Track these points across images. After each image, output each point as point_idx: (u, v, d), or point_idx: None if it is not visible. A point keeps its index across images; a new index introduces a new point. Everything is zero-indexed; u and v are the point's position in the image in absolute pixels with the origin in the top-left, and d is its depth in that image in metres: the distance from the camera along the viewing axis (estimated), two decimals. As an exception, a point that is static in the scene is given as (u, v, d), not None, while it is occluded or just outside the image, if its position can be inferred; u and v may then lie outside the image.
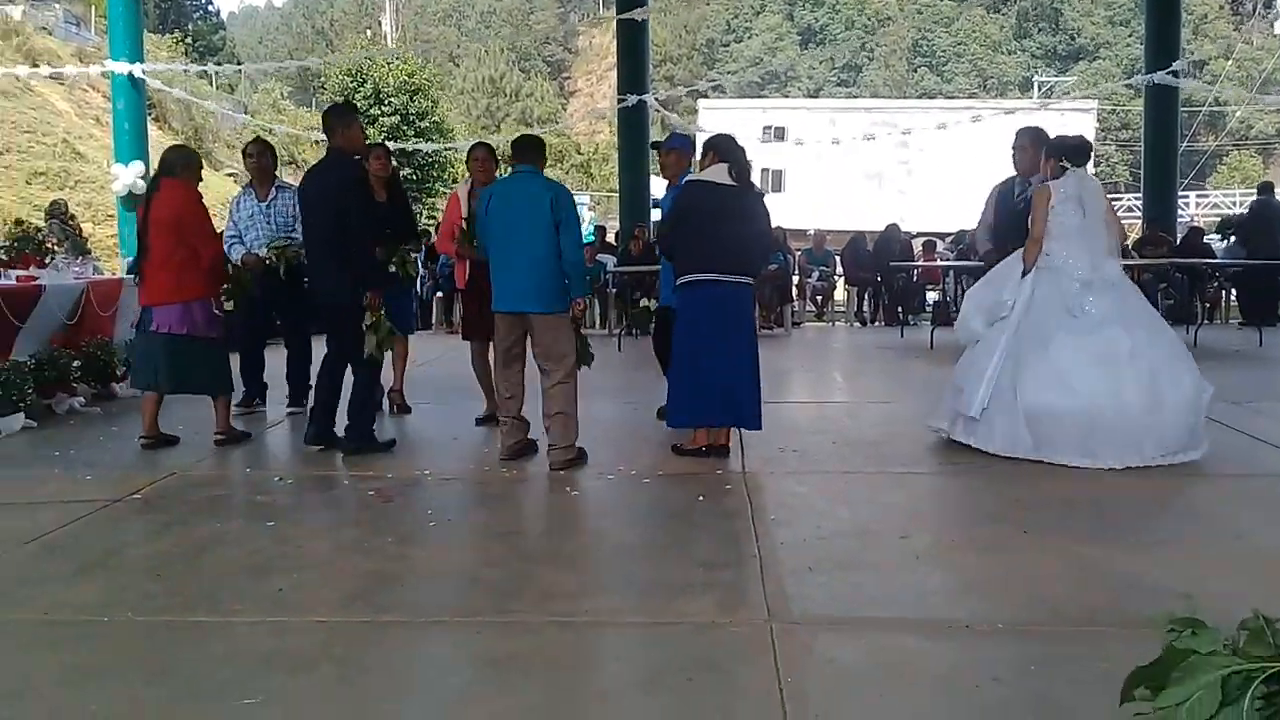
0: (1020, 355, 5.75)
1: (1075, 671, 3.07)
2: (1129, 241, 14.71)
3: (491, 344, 6.21)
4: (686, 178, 6.22)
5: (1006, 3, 68.76)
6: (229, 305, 6.70)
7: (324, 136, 6.26)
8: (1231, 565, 4.01)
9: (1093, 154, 6.34)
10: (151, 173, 9.22)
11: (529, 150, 5.87)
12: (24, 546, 4.36)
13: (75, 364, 7.63)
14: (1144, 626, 3.38)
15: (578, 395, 5.81)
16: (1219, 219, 19.19)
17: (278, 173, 7.81)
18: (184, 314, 6.16)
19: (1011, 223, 6.59)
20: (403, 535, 4.55)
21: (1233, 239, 14.94)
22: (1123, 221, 6.34)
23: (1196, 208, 38.63)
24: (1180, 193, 39.42)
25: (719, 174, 5.72)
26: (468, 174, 7.02)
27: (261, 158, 7.39)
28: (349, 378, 6.19)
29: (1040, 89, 53.06)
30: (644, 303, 6.98)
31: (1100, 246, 5.91)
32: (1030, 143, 6.67)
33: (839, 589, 3.85)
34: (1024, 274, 5.94)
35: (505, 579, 3.97)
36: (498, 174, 6.93)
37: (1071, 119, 33.67)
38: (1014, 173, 6.85)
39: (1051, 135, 6.32)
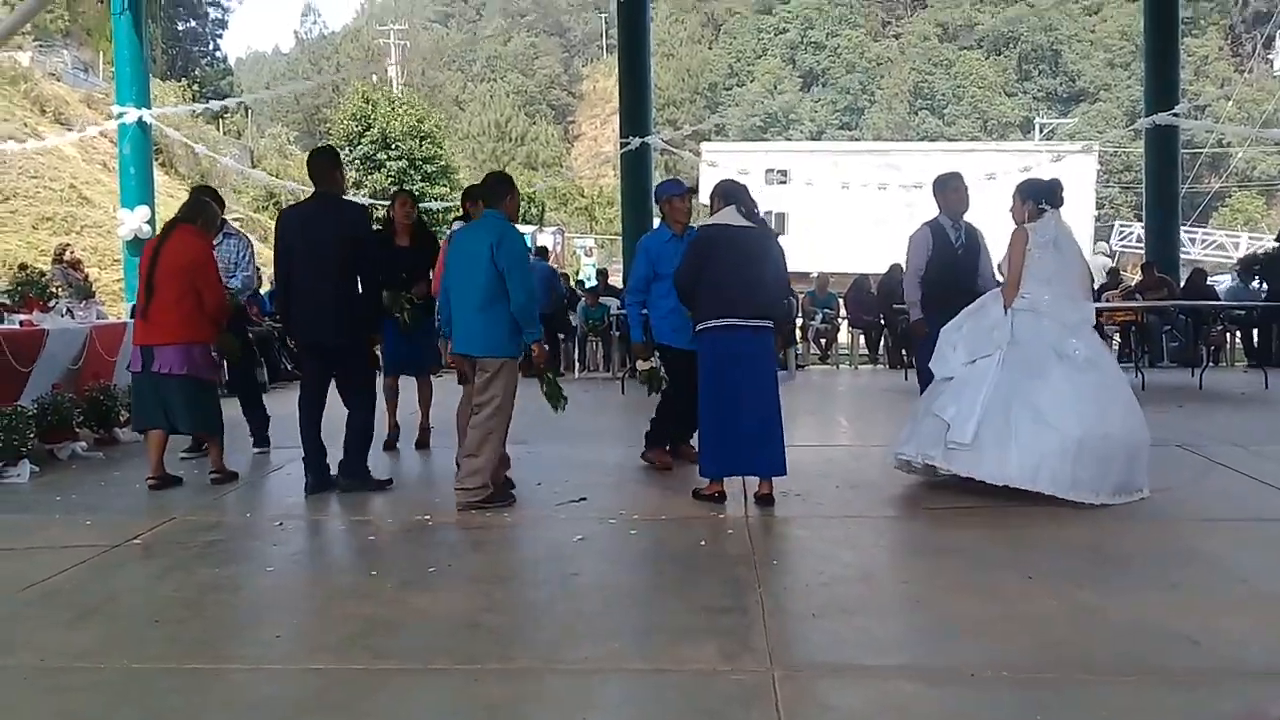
0: (1012, 389, 5.80)
1: (1082, 719, 3.03)
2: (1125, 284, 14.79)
3: None
4: (700, 224, 6.21)
5: (1007, 45, 69.31)
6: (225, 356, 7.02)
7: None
8: (1237, 610, 3.96)
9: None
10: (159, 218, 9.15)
11: (488, 192, 5.99)
12: (22, 593, 4.33)
13: (78, 409, 7.63)
14: (1150, 673, 3.37)
15: (503, 440, 5.86)
16: (1239, 259, 19.18)
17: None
18: (185, 355, 6.30)
19: (954, 267, 6.68)
20: (402, 580, 4.51)
21: (1258, 279, 14.83)
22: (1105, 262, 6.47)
23: (1202, 247, 38.57)
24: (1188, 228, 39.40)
25: (730, 216, 5.73)
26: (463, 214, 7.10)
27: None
28: (327, 416, 6.28)
29: (1042, 131, 53.38)
30: (644, 366, 6.88)
31: (1077, 289, 6.05)
32: (964, 184, 6.84)
33: (842, 635, 3.81)
34: (1004, 313, 6.01)
35: (505, 625, 3.94)
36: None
37: (1074, 161, 33.87)
38: (936, 215, 6.87)
39: (1049, 179, 6.30)
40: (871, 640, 3.76)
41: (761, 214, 5.87)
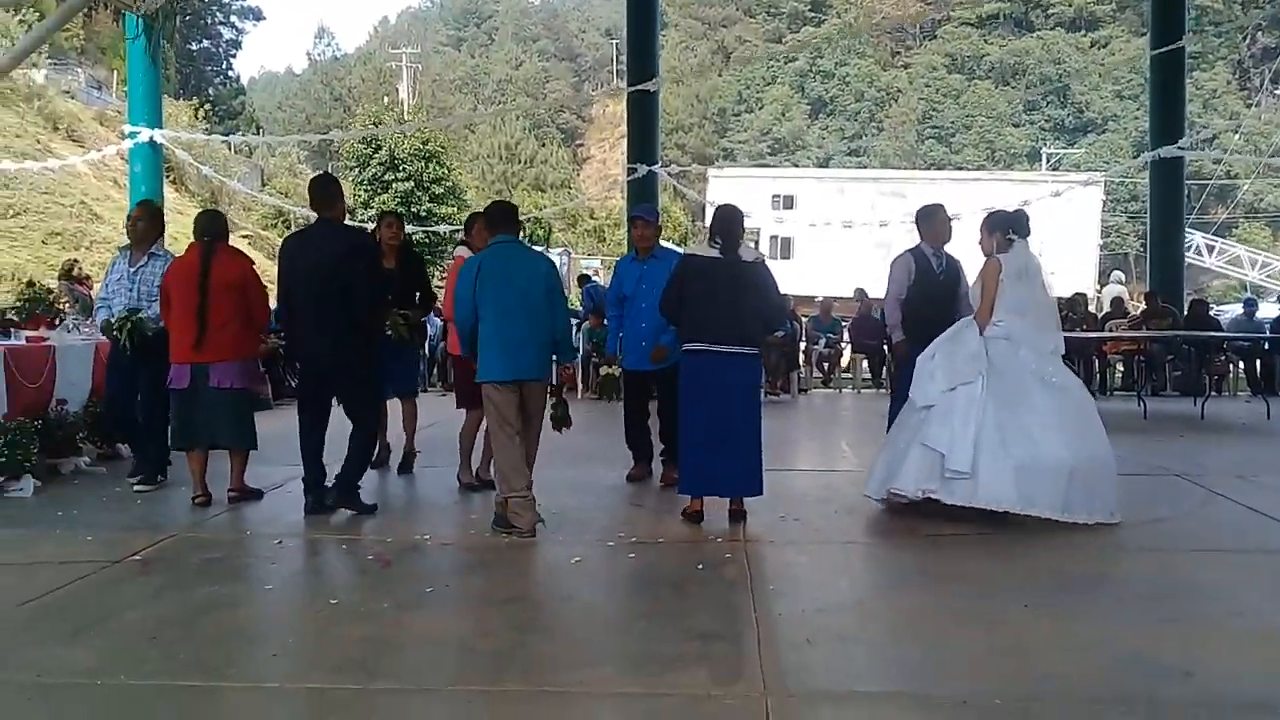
0: (1000, 416, 5.90)
1: (1072, 750, 3.04)
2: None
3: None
4: (685, 251, 6.38)
5: (1015, 76, 69.57)
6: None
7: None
8: (1232, 643, 3.96)
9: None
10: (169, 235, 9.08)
11: (508, 220, 6.05)
12: (20, 608, 4.36)
13: (82, 424, 7.66)
14: (1143, 704, 3.37)
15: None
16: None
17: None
18: (242, 369, 6.56)
19: (935, 293, 6.81)
20: (399, 601, 4.52)
21: None
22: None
23: (1218, 258, 38.45)
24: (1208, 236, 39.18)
25: (702, 247, 5.99)
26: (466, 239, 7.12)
27: (138, 221, 7.21)
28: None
29: (1048, 161, 53.47)
30: (606, 370, 7.07)
31: (1048, 319, 6.25)
32: (947, 215, 7.02)
33: (837, 662, 3.82)
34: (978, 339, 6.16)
35: (499, 648, 3.95)
36: None
37: (1079, 192, 33.91)
38: (918, 244, 7.03)
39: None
40: (866, 668, 3.77)
41: (750, 243, 5.94)
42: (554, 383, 6.16)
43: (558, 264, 6.90)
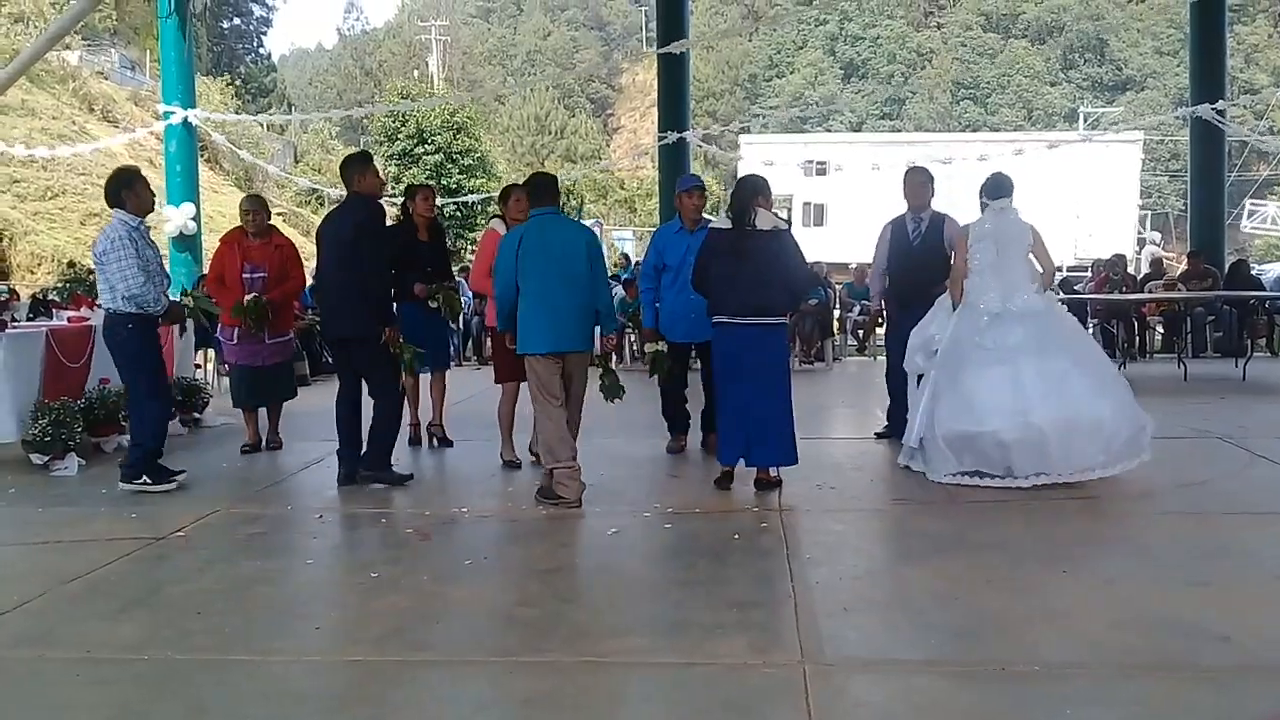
0: (939, 387, 6.13)
1: (1112, 715, 3.03)
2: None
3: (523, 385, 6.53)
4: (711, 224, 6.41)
5: (1052, 34, 68.45)
6: None
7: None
8: (1271, 607, 3.93)
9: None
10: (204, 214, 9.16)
11: (548, 192, 6.05)
12: (68, 585, 4.44)
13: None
14: (1181, 669, 3.35)
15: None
16: None
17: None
18: None
19: (908, 261, 7.00)
20: (438, 573, 4.58)
21: None
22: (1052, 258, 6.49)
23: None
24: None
25: (721, 219, 6.03)
26: (500, 211, 7.11)
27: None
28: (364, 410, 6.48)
29: (1086, 120, 52.67)
30: (652, 347, 7.00)
31: (1014, 280, 6.17)
32: (926, 179, 7.13)
33: (873, 630, 3.82)
34: (954, 309, 6.32)
35: (539, 618, 3.98)
36: None
37: (1117, 150, 33.38)
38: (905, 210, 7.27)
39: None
40: (903, 635, 3.76)
41: (780, 212, 5.91)
42: (597, 353, 6.20)
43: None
